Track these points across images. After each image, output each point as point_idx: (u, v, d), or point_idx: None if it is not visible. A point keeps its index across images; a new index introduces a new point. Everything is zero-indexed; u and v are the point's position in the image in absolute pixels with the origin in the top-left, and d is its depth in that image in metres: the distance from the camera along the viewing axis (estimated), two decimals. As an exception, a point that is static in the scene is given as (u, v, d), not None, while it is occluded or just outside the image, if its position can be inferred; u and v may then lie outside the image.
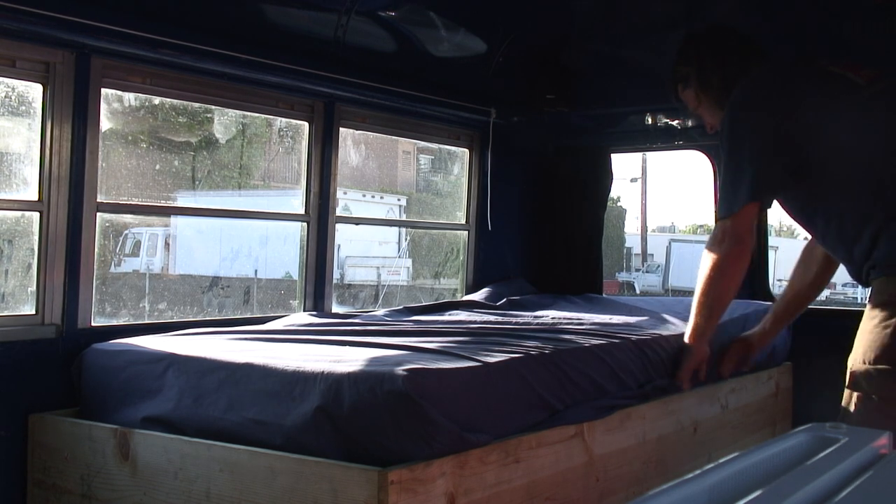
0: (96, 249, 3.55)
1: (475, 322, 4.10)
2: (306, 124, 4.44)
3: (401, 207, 14.19)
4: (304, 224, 4.46)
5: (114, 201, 4.18)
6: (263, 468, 2.63)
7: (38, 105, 3.40)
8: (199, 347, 3.17)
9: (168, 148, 9.66)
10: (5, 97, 3.65)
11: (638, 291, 24.32)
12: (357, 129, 4.86)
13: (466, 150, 5.42)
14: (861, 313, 2.86)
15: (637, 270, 28.30)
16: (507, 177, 5.47)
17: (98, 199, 3.52)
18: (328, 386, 2.64)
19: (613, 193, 6.82)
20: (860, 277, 2.91)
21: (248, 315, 5.02)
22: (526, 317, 4.29)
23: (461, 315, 4.44)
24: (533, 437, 2.93)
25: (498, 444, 2.77)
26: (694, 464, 3.32)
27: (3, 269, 4.31)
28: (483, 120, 5.15)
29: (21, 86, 3.50)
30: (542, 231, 5.71)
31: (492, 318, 4.31)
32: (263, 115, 4.99)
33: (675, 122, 5.31)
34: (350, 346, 3.19)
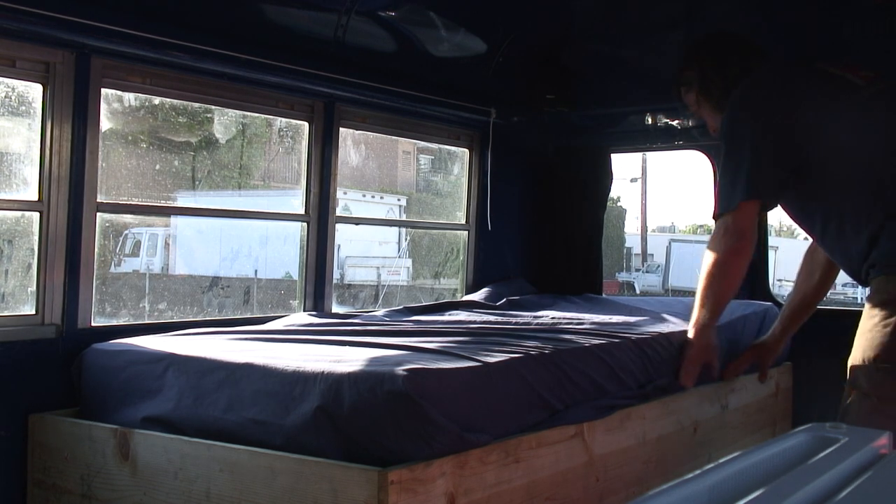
0: (96, 249, 3.55)
1: (475, 322, 4.10)
2: (306, 124, 4.44)
3: (401, 207, 14.19)
4: (304, 224, 4.46)
5: (114, 201, 4.18)
6: (263, 468, 2.63)
7: (38, 105, 3.40)
8: (199, 347, 3.17)
9: (168, 148, 9.66)
10: (5, 97, 3.65)
11: (638, 291, 24.32)
12: (357, 129, 4.86)
13: (466, 150, 5.42)
14: (861, 313, 2.87)
15: (637, 270, 28.30)
16: (507, 177, 5.47)
17: (98, 199, 3.52)
18: (328, 386, 2.64)
19: (613, 193, 6.83)
20: (859, 277, 2.92)
21: (248, 315, 5.02)
22: (526, 317, 4.29)
23: (461, 315, 4.44)
24: (533, 437, 2.93)
25: (498, 444, 2.77)
26: (694, 464, 3.32)
27: (3, 269, 4.31)
28: (483, 120, 5.15)
29: (21, 86, 3.50)
30: (542, 231, 5.71)
31: (492, 318, 4.31)
32: (263, 115, 4.99)
33: (675, 122, 5.31)
34: (350, 346, 3.19)
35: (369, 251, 13.83)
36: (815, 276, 3.59)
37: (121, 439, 2.97)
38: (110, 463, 2.99)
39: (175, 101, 5.37)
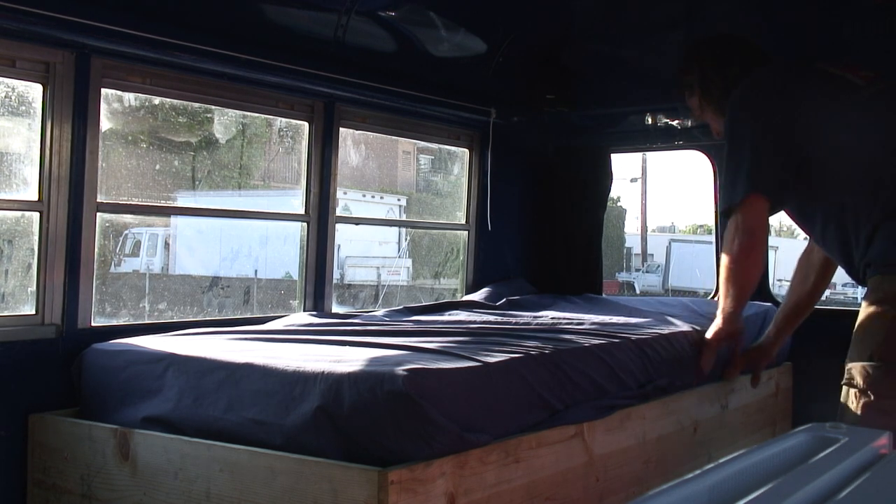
0: (96, 249, 3.55)
1: (475, 322, 4.10)
2: (306, 124, 4.44)
3: (401, 207, 14.18)
4: (304, 224, 4.46)
5: (114, 201, 4.18)
6: (263, 468, 2.63)
7: (38, 105, 3.40)
8: (199, 347, 3.17)
9: (168, 148, 9.66)
10: (5, 97, 3.65)
11: (638, 291, 24.31)
12: (357, 129, 4.86)
13: (466, 150, 5.42)
14: None
15: (637, 270, 28.29)
16: (507, 177, 5.47)
17: (98, 199, 3.52)
18: (328, 386, 2.64)
19: (613, 193, 6.81)
20: (857, 276, 2.92)
21: (248, 315, 5.02)
22: (525, 317, 4.29)
23: (461, 315, 4.44)
24: (533, 437, 2.93)
25: (498, 444, 2.77)
26: (694, 464, 3.32)
27: (3, 269, 4.31)
28: (483, 120, 5.15)
29: (21, 86, 3.50)
30: (542, 231, 5.71)
31: (491, 318, 4.31)
32: (263, 115, 4.99)
33: (675, 122, 5.31)
34: (350, 346, 3.19)
35: (369, 251, 13.83)
36: (811, 280, 3.60)
37: (121, 439, 2.97)
38: (110, 463, 2.99)
39: (175, 101, 5.37)
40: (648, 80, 5.06)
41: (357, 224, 6.60)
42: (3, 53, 3.25)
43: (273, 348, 3.17)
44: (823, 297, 3.85)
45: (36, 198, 3.37)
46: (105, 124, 3.66)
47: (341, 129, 4.55)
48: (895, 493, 1.16)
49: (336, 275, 5.80)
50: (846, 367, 2.83)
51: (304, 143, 4.47)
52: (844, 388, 2.82)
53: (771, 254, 5.30)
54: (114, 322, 4.35)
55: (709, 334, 3.51)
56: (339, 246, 5.25)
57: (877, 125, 2.92)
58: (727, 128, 3.10)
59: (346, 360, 2.80)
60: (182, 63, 3.73)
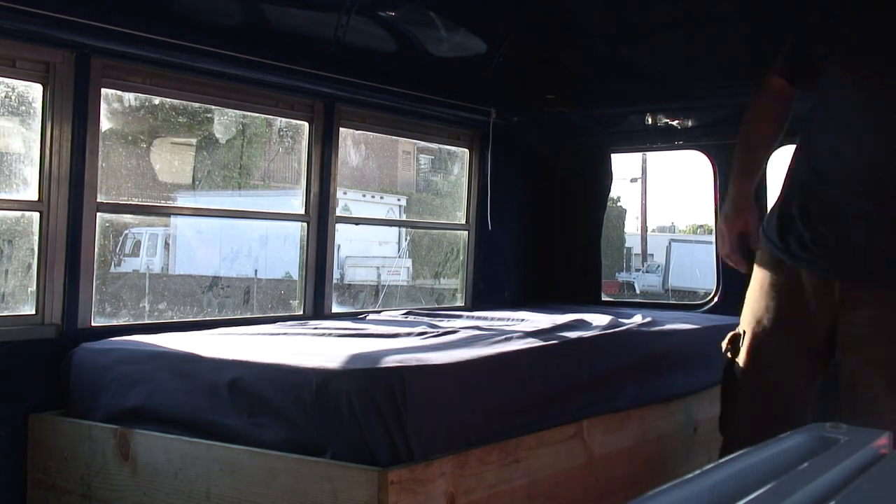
0: (96, 249, 3.55)
1: (475, 323, 4.11)
2: (306, 124, 4.44)
3: (401, 207, 14.18)
4: (304, 224, 4.46)
5: (114, 201, 4.19)
6: (263, 468, 2.63)
7: (38, 105, 3.41)
8: (193, 346, 3.17)
9: (168, 148, 9.66)
10: (5, 97, 3.65)
11: (638, 291, 24.30)
12: (357, 129, 4.86)
13: (466, 150, 5.42)
14: None
15: (637, 270, 28.26)
16: (507, 177, 5.47)
17: (98, 199, 3.52)
18: (327, 385, 2.64)
19: (613, 193, 6.82)
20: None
21: (249, 315, 5.02)
22: (517, 320, 4.30)
23: (462, 318, 4.45)
24: (533, 437, 2.93)
25: (498, 444, 2.78)
26: (694, 464, 3.32)
27: (3, 269, 4.31)
28: (483, 120, 5.15)
29: (21, 86, 3.50)
30: (542, 231, 5.71)
31: (488, 321, 4.32)
32: (263, 115, 4.99)
33: (675, 122, 5.31)
34: (348, 345, 3.19)
35: (369, 251, 13.82)
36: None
37: (121, 439, 2.97)
38: (110, 463, 2.99)
39: (175, 101, 5.37)
40: (648, 80, 5.06)
41: (357, 224, 6.61)
42: (3, 53, 3.25)
43: (270, 347, 3.17)
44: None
45: (36, 198, 3.37)
46: (105, 124, 3.66)
47: (341, 129, 4.55)
48: (895, 493, 1.16)
49: (336, 275, 5.80)
50: None
51: (304, 143, 4.47)
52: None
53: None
54: (114, 322, 4.35)
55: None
56: (339, 246, 5.25)
57: (876, 122, 2.89)
58: None
59: (345, 359, 2.80)
60: (182, 63, 3.73)
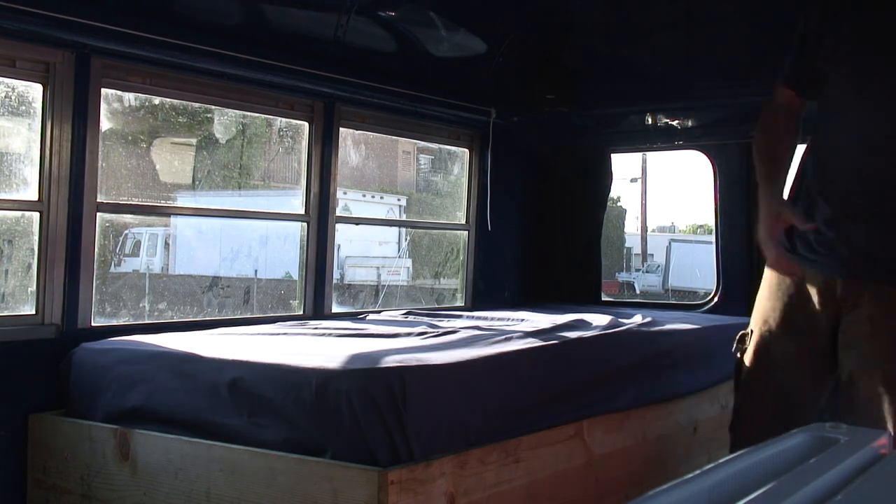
0: (96, 249, 3.55)
1: (475, 323, 4.11)
2: (306, 124, 4.44)
3: (401, 207, 14.17)
4: (304, 224, 4.46)
5: (114, 201, 4.18)
6: (263, 468, 2.63)
7: (38, 105, 3.40)
8: (193, 346, 3.16)
9: (168, 148, 9.66)
10: (5, 97, 3.65)
11: (638, 291, 24.30)
12: (357, 129, 4.86)
13: (466, 150, 5.42)
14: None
15: (637, 270, 28.26)
16: (507, 177, 5.47)
17: (98, 199, 3.52)
18: (327, 385, 2.64)
19: (613, 193, 6.82)
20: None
21: (249, 315, 5.02)
22: (517, 319, 4.30)
23: (462, 318, 4.45)
24: (533, 437, 2.93)
25: (498, 445, 2.78)
26: (694, 464, 3.32)
27: (3, 269, 4.31)
28: (483, 120, 5.15)
29: (21, 86, 3.50)
30: (542, 231, 5.71)
31: (488, 321, 4.32)
32: (263, 115, 4.99)
33: (675, 122, 5.31)
34: (348, 345, 3.19)
35: (369, 251, 13.81)
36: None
37: (121, 439, 2.97)
38: (110, 463, 2.99)
39: (175, 101, 5.37)
40: (648, 80, 5.06)
41: (357, 224, 6.61)
42: (3, 53, 3.25)
43: (270, 347, 3.16)
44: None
45: (36, 198, 3.37)
46: (105, 124, 3.66)
47: (341, 129, 4.55)
48: (895, 493, 1.16)
49: (336, 275, 5.79)
50: None
51: (304, 143, 4.47)
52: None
53: (771, 253, 5.29)
54: (114, 322, 4.35)
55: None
56: (339, 246, 5.25)
57: (877, 123, 2.89)
58: None
59: (345, 359, 2.80)
60: (182, 63, 3.73)
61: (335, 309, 4.60)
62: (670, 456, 3.64)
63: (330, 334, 3.56)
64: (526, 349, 3.18)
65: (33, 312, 3.38)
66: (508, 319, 4.25)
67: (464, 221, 5.44)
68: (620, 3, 4.94)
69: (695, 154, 5.43)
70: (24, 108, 3.55)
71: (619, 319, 4.08)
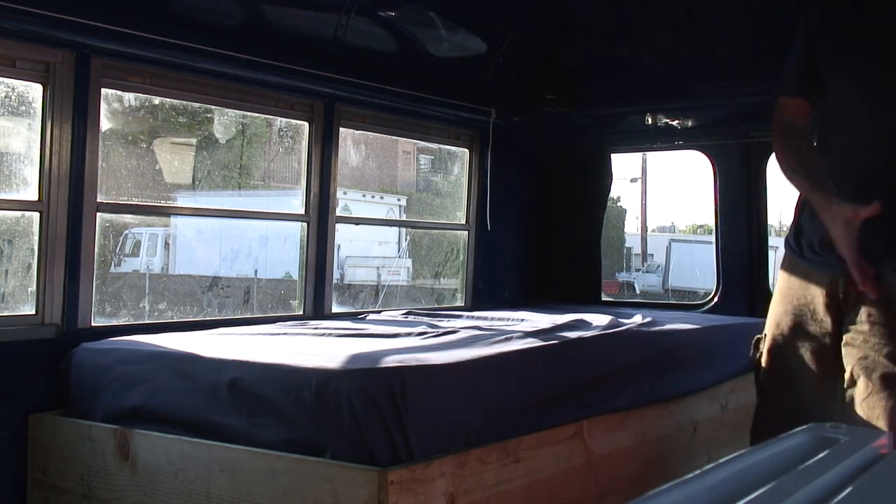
0: (96, 249, 3.55)
1: (475, 323, 4.11)
2: (306, 124, 4.44)
3: (401, 207, 14.17)
4: (304, 224, 4.46)
5: (114, 201, 4.19)
6: (263, 468, 2.63)
7: (38, 105, 3.41)
8: (193, 346, 3.16)
9: (168, 148, 9.66)
10: (5, 97, 3.65)
11: (638, 291, 24.31)
12: (357, 129, 4.86)
13: (466, 150, 5.42)
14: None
15: (637, 270, 28.26)
16: (507, 177, 5.47)
17: (98, 199, 3.52)
18: (327, 385, 2.64)
19: (613, 193, 6.83)
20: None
21: (249, 315, 5.02)
22: (517, 319, 4.30)
23: (462, 318, 4.45)
24: (533, 437, 2.93)
25: (498, 445, 2.78)
26: (694, 464, 3.32)
27: (3, 269, 4.31)
28: (483, 120, 5.15)
29: (21, 86, 3.50)
30: (542, 231, 5.71)
31: (488, 321, 4.32)
32: (263, 115, 4.99)
33: (675, 122, 5.31)
34: (348, 345, 3.19)
35: (369, 251, 13.82)
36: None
37: (121, 439, 2.97)
38: (110, 463, 2.99)
39: (175, 101, 5.37)
40: (648, 80, 5.06)
41: (357, 224, 6.61)
42: (3, 53, 3.25)
43: (270, 347, 3.17)
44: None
45: (36, 198, 3.37)
46: (105, 124, 3.66)
47: (341, 129, 4.55)
48: (895, 494, 1.16)
49: (336, 275, 5.80)
50: None
51: (304, 143, 4.48)
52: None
53: (771, 254, 5.30)
54: (114, 322, 4.35)
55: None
56: (339, 246, 5.25)
57: (877, 124, 2.89)
58: None
59: (345, 359, 2.80)
60: (182, 63, 3.73)
61: (335, 309, 4.60)
62: (670, 456, 3.64)
63: (330, 334, 3.56)
64: (526, 349, 3.18)
65: (33, 312, 3.38)
66: (508, 319, 4.25)
67: (464, 221, 5.44)
68: (620, 3, 4.94)
69: (695, 154, 5.43)
70: (24, 108, 3.55)
71: (619, 319, 4.08)
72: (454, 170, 6.22)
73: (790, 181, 2.90)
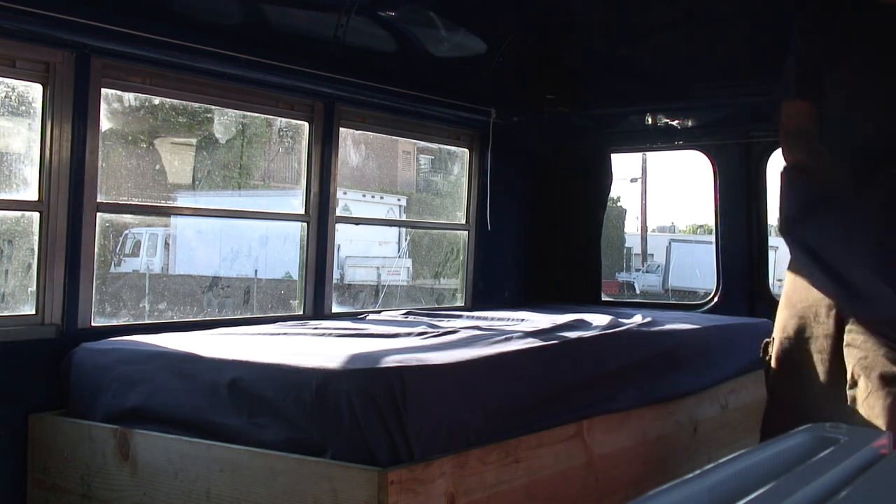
0: (96, 249, 3.55)
1: (475, 323, 4.11)
2: (306, 124, 4.44)
3: (401, 207, 14.17)
4: (304, 224, 4.46)
5: (114, 201, 4.19)
6: (263, 468, 2.63)
7: (38, 105, 3.40)
8: (193, 346, 3.16)
9: (168, 148, 9.66)
10: (5, 97, 3.65)
11: (638, 291, 24.31)
12: (357, 129, 4.86)
13: (466, 150, 5.42)
14: None
15: (637, 270, 28.26)
16: (507, 177, 5.47)
17: (98, 199, 3.52)
18: (327, 385, 2.64)
19: (613, 193, 6.83)
20: None
21: (249, 315, 5.02)
22: (517, 319, 4.30)
23: (462, 318, 4.45)
24: (533, 437, 2.93)
25: (498, 445, 2.77)
26: (694, 464, 3.32)
27: (3, 269, 4.31)
28: (483, 120, 5.15)
29: (21, 86, 3.50)
30: (542, 231, 5.71)
31: (488, 321, 4.32)
32: (263, 115, 4.99)
33: (675, 122, 5.31)
34: (348, 345, 3.19)
35: (369, 251, 13.81)
36: None
37: (121, 439, 2.96)
38: (110, 463, 2.99)
39: (175, 101, 5.37)
40: (648, 80, 5.06)
41: (357, 224, 6.61)
42: (3, 53, 3.25)
43: (270, 347, 3.16)
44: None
45: (36, 198, 3.37)
46: (105, 124, 3.66)
47: (341, 129, 4.55)
48: (895, 493, 1.16)
49: (336, 275, 5.80)
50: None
51: (304, 143, 4.48)
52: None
53: (771, 254, 5.31)
54: (114, 322, 4.35)
55: None
56: (339, 246, 5.25)
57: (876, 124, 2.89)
58: None
59: (345, 359, 2.80)
60: (182, 63, 3.73)
61: (335, 309, 4.60)
62: (670, 456, 3.64)
63: (330, 334, 3.56)
64: (526, 349, 3.18)
65: (33, 312, 3.38)
66: (508, 319, 4.25)
67: (464, 221, 5.44)
68: (620, 3, 4.94)
69: (695, 154, 5.43)
70: (24, 108, 3.55)
71: (619, 319, 4.08)
72: (454, 170, 6.22)
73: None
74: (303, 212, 4.47)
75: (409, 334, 3.52)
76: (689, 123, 5.29)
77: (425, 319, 4.29)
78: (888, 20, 2.74)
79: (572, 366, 3.27)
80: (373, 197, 14.46)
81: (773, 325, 2.98)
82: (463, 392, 2.78)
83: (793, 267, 2.95)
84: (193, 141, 10.16)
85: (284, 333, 3.59)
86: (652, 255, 29.02)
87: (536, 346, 3.23)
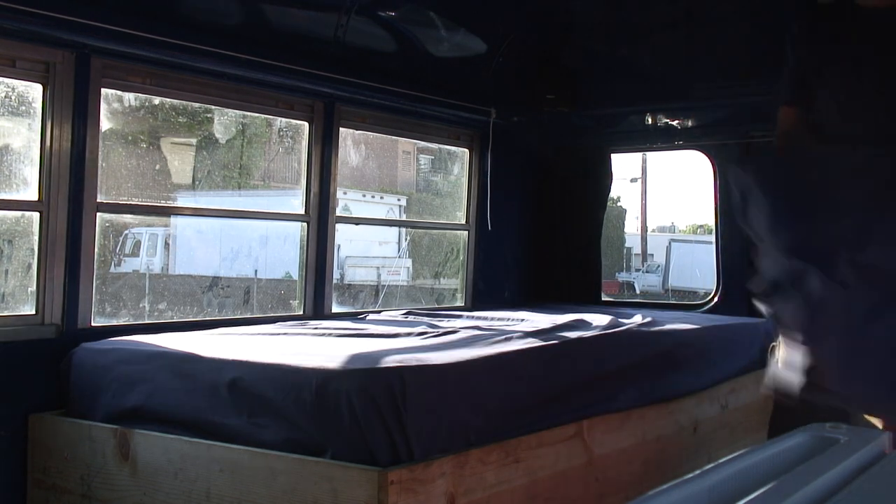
0: (96, 249, 3.55)
1: (475, 323, 4.11)
2: (306, 124, 4.44)
3: (401, 207, 14.17)
4: (304, 224, 4.46)
5: (114, 201, 4.19)
6: (263, 468, 2.63)
7: (38, 105, 3.40)
8: (193, 346, 3.16)
9: (168, 148, 9.66)
10: (5, 97, 3.65)
11: (638, 291, 24.30)
12: (357, 129, 4.86)
13: (466, 150, 5.42)
14: None
15: (637, 270, 28.25)
16: (507, 177, 5.47)
17: (98, 199, 3.52)
18: (327, 385, 2.64)
19: (613, 193, 6.83)
20: None
21: (249, 315, 5.02)
22: (517, 319, 4.30)
23: (462, 318, 4.45)
24: (533, 437, 2.93)
25: (498, 445, 2.77)
26: (694, 464, 3.32)
27: (3, 269, 4.31)
28: (483, 120, 5.15)
29: (21, 86, 3.50)
30: (542, 231, 5.71)
31: (488, 321, 4.32)
32: (263, 115, 4.99)
33: (675, 122, 5.31)
34: (348, 345, 3.19)
35: (369, 251, 13.81)
36: None
37: (121, 439, 2.96)
38: (110, 463, 2.99)
39: (175, 101, 5.37)
40: (648, 80, 5.06)
41: (357, 224, 6.61)
42: (3, 53, 3.25)
43: (270, 348, 3.16)
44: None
45: (36, 198, 3.37)
46: (105, 124, 3.66)
47: (341, 129, 4.55)
48: (895, 493, 1.16)
49: (336, 275, 5.79)
50: None
51: (304, 143, 4.48)
52: None
53: (771, 254, 5.30)
54: (114, 322, 4.35)
55: None
56: (339, 246, 5.25)
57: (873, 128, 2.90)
58: None
59: (345, 359, 2.80)
60: (182, 63, 3.73)
61: (335, 309, 4.60)
62: (670, 456, 3.64)
63: (330, 334, 3.56)
64: (526, 349, 3.17)
65: (33, 312, 3.38)
66: (508, 319, 4.25)
67: (464, 221, 5.44)
68: (620, 3, 4.94)
69: (695, 154, 5.43)
70: (24, 108, 3.55)
71: (619, 319, 4.07)
72: (454, 170, 6.22)
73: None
74: (303, 212, 4.47)
75: (409, 334, 3.52)
76: (689, 123, 5.29)
77: (425, 319, 4.29)
78: (888, 20, 2.74)
79: (572, 366, 3.27)
80: (373, 197, 14.46)
81: (774, 325, 2.99)
82: (463, 392, 2.78)
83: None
84: (193, 141, 10.16)
85: (284, 333, 3.59)
86: (652, 255, 29.01)
87: (536, 346, 3.23)
